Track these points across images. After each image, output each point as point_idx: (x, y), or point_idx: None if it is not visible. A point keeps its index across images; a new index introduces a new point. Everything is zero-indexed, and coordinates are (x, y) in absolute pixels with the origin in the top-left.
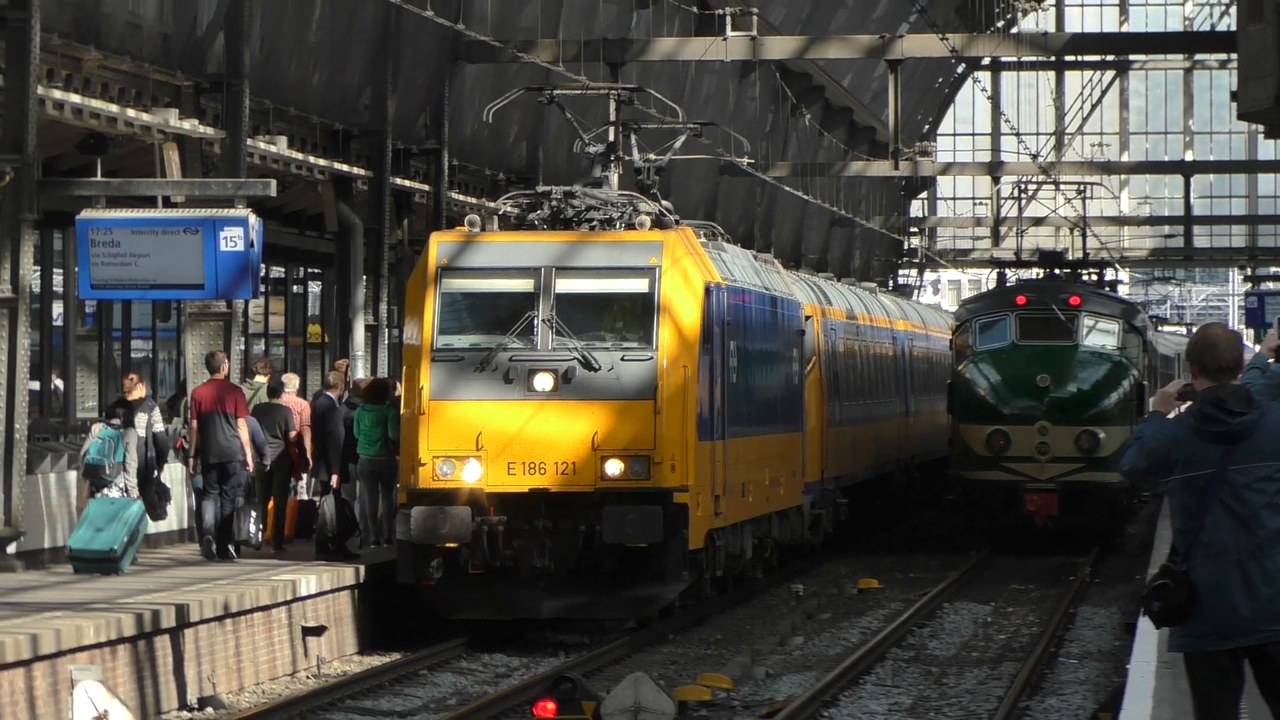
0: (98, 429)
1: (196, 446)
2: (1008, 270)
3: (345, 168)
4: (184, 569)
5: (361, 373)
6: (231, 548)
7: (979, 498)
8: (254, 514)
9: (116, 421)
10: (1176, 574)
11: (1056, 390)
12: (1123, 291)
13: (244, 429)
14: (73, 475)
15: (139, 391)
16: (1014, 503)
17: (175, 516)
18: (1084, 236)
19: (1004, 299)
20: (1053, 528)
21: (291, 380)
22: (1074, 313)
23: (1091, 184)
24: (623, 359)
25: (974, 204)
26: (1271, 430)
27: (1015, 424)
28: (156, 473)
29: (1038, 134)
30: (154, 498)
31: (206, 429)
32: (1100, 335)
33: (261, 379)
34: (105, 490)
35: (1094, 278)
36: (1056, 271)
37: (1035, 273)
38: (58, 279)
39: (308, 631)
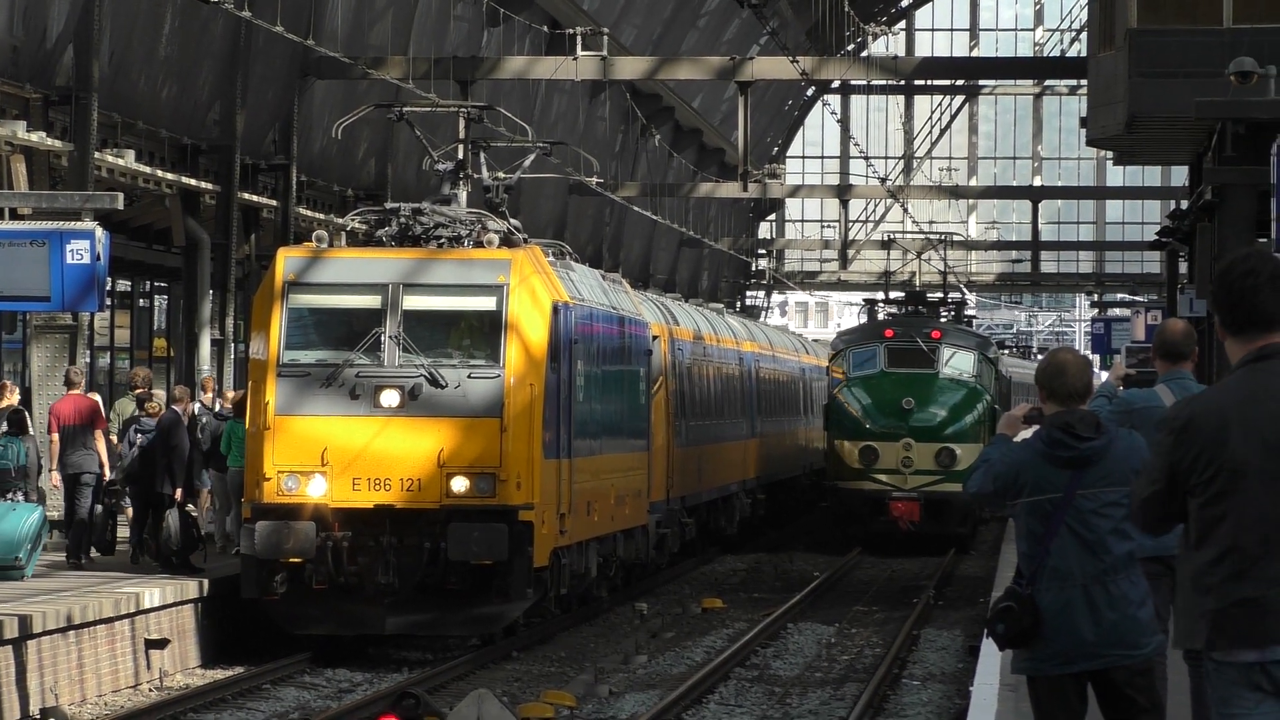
0: None
1: (57, 459)
2: (877, 305)
3: (193, 182)
4: (31, 580)
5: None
6: (84, 557)
7: (851, 505)
8: (111, 523)
9: (15, 429)
10: (1022, 597)
11: (919, 412)
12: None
13: (100, 442)
14: None
15: (13, 398)
16: (881, 510)
17: None
18: (944, 278)
19: (874, 331)
20: (915, 532)
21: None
22: (935, 345)
23: (948, 236)
24: (470, 376)
25: (822, 226)
26: (1119, 456)
27: (883, 440)
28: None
29: (886, 157)
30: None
31: (64, 442)
32: (958, 364)
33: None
34: (11, 495)
35: (952, 313)
36: (921, 308)
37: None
38: None
39: (151, 644)
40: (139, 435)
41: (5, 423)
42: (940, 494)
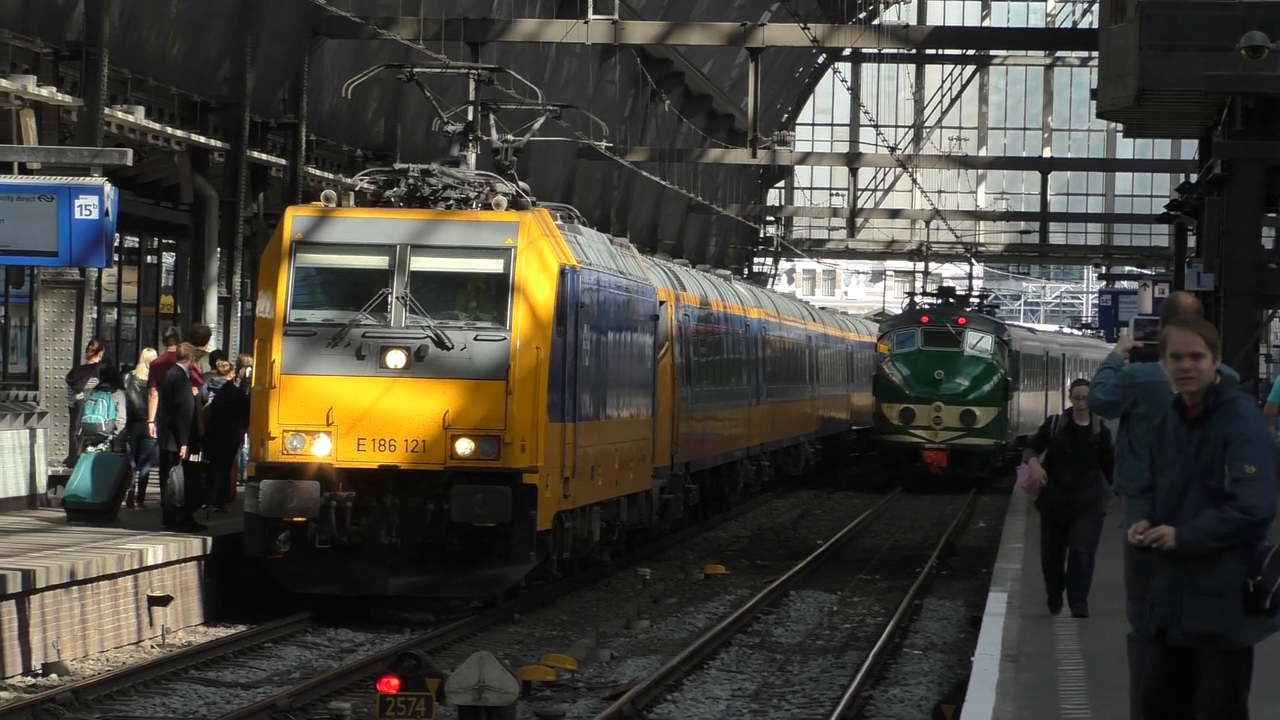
0: (88, 391)
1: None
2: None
3: (202, 139)
4: (33, 534)
5: (213, 347)
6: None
7: (894, 453)
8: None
9: (107, 384)
10: None
11: (948, 382)
12: (976, 284)
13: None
14: None
15: (100, 356)
16: (916, 457)
17: (23, 480)
18: (970, 275)
19: (913, 318)
20: (943, 475)
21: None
22: (961, 329)
23: (970, 245)
24: (476, 339)
25: (830, 194)
26: None
27: (919, 403)
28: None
29: (896, 126)
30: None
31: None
32: (980, 345)
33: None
34: (100, 445)
35: (977, 304)
36: (951, 299)
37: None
38: None
39: (154, 601)
40: (210, 392)
41: (98, 377)
42: (963, 446)
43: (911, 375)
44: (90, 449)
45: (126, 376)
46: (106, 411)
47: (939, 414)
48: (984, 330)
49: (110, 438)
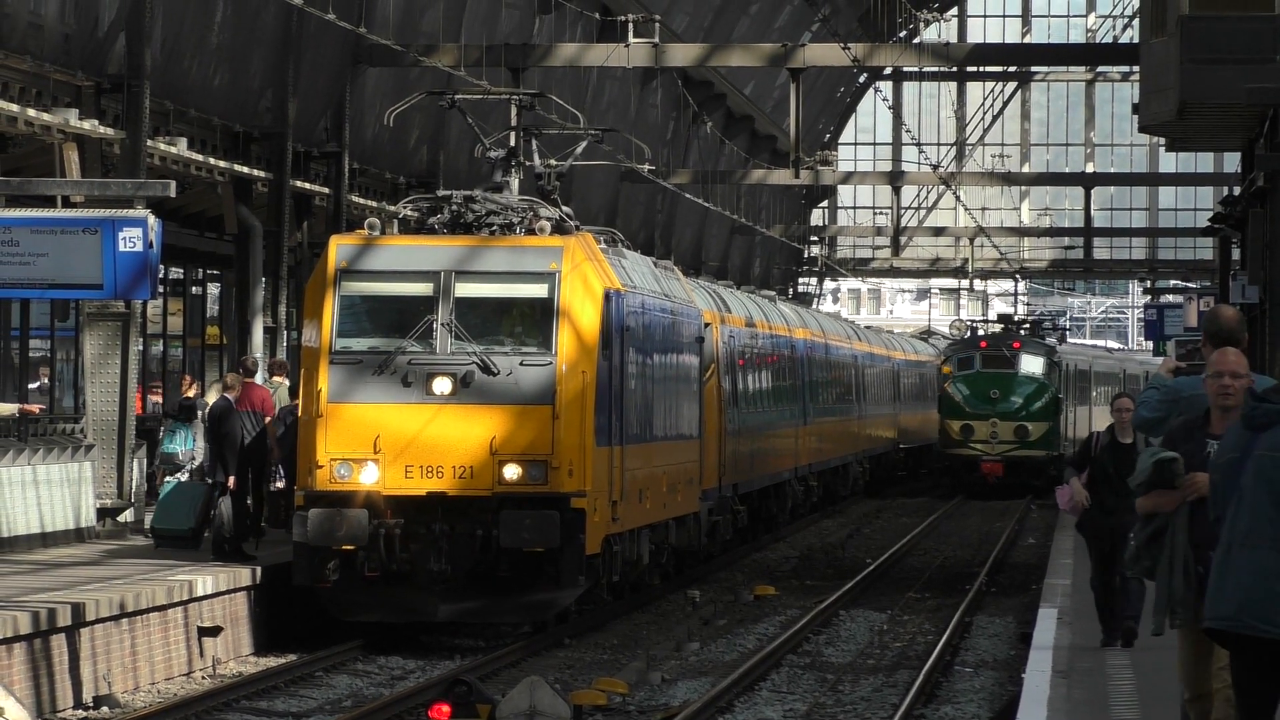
0: (167, 424)
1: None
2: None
3: (245, 170)
4: (82, 567)
5: (260, 377)
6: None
7: (955, 465)
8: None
9: (184, 415)
10: None
11: (1003, 400)
12: (1022, 301)
13: (270, 428)
14: None
15: (195, 389)
16: (975, 468)
17: (71, 513)
18: (1015, 293)
19: (973, 343)
20: (999, 484)
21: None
22: (1015, 353)
23: (1015, 262)
24: (522, 364)
25: (874, 213)
26: None
27: (977, 420)
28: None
29: (939, 144)
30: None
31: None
32: (1032, 366)
33: (279, 380)
34: (179, 475)
35: (1029, 329)
36: (1008, 326)
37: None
38: None
39: (204, 632)
40: (290, 416)
41: (179, 408)
42: (1017, 457)
43: (971, 394)
44: (169, 479)
45: (199, 407)
46: (184, 441)
47: (995, 429)
48: (1036, 353)
49: (189, 467)
